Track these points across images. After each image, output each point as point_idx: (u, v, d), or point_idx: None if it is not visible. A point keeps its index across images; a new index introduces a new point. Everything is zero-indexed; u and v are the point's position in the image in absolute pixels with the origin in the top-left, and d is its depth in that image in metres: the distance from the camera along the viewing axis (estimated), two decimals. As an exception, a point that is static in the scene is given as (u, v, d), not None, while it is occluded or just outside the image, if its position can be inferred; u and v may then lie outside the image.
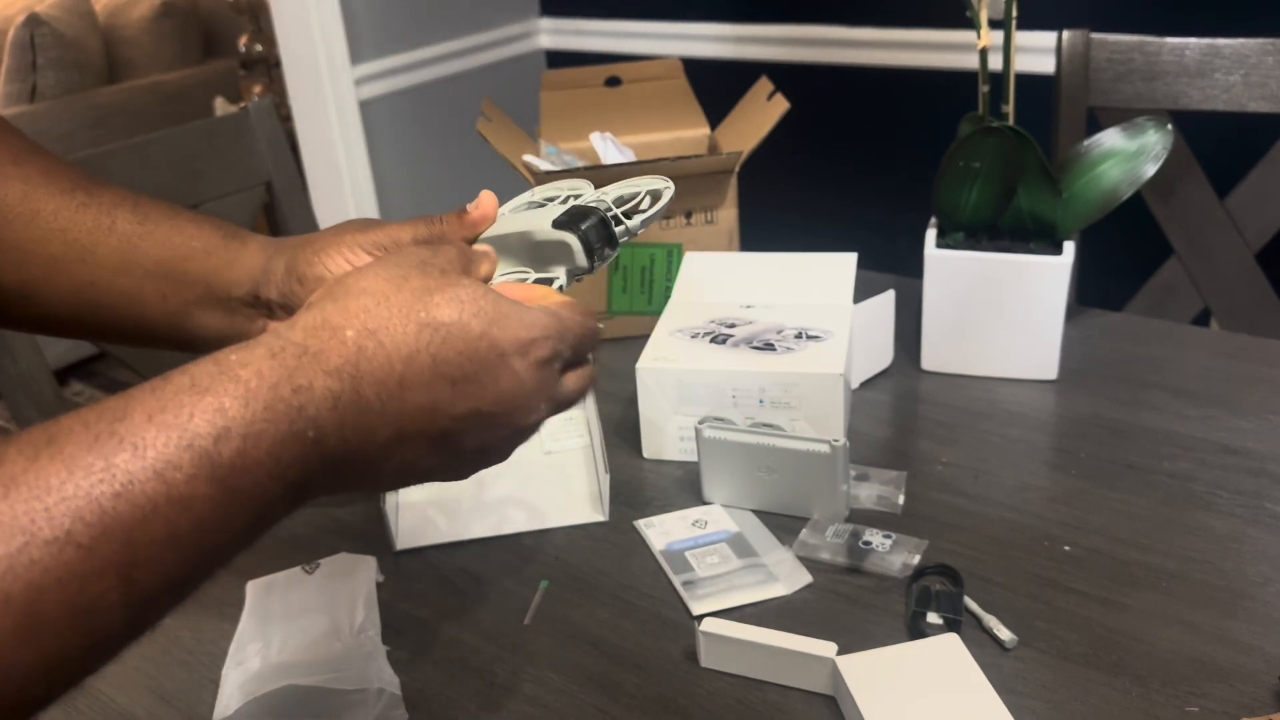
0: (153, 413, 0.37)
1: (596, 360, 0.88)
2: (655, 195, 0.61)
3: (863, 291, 0.92)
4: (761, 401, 0.82)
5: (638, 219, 0.60)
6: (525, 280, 0.58)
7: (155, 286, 0.60)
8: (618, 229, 0.60)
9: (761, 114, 1.10)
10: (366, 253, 0.59)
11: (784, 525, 0.77)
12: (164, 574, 0.37)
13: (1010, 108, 0.92)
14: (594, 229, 0.58)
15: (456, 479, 0.49)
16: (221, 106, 3.08)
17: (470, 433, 0.46)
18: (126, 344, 0.64)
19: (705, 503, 0.80)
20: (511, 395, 0.46)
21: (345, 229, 0.60)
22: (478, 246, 0.57)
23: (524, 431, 0.48)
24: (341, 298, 0.44)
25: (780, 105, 1.08)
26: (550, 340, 0.48)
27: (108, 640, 0.37)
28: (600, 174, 1.02)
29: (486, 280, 0.54)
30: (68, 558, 0.34)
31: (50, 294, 0.60)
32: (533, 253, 0.59)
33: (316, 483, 0.42)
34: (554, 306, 0.50)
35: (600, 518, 0.80)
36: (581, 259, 0.58)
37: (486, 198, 0.59)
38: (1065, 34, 1.25)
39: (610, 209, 0.60)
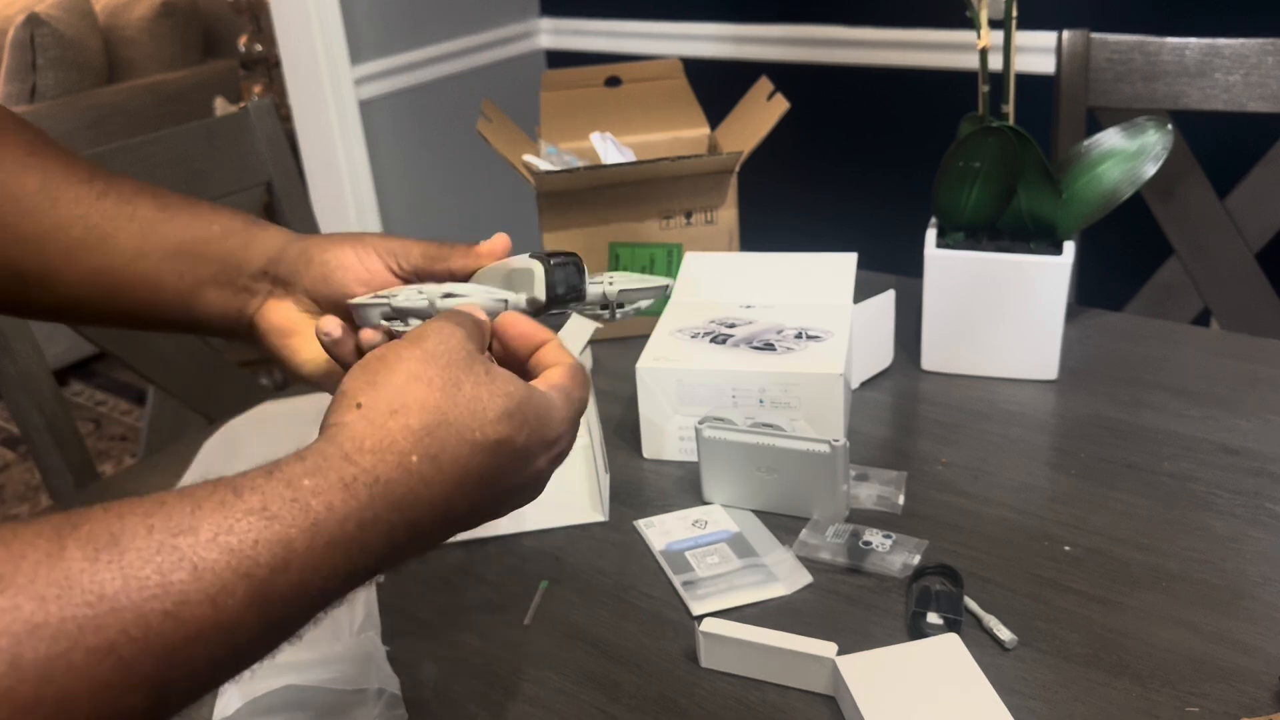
0: (219, 533, 0.37)
1: (594, 369, 0.87)
2: (651, 294, 0.63)
3: (863, 291, 0.92)
4: (761, 401, 0.82)
5: (619, 312, 0.62)
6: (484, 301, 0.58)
7: (173, 267, 0.62)
8: (594, 288, 0.61)
9: (761, 114, 1.10)
10: (379, 255, 0.61)
11: (784, 525, 0.77)
12: (192, 689, 0.37)
13: (1010, 108, 0.92)
14: (562, 268, 0.58)
15: None
16: (221, 106, 3.08)
17: (485, 516, 0.49)
18: (134, 327, 0.65)
19: (705, 503, 0.80)
20: (531, 483, 0.50)
21: (364, 234, 0.63)
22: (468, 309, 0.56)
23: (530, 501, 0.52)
24: (402, 413, 0.44)
25: (780, 105, 1.08)
26: (569, 434, 0.51)
27: None
28: (600, 174, 1.02)
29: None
30: (105, 670, 0.34)
31: (70, 278, 0.61)
32: (504, 281, 0.60)
33: (347, 593, 0.44)
34: (564, 383, 0.52)
35: (600, 518, 0.80)
36: (540, 290, 0.58)
37: (500, 238, 0.61)
38: (1065, 34, 1.25)
39: (610, 286, 0.62)
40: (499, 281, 0.60)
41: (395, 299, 0.58)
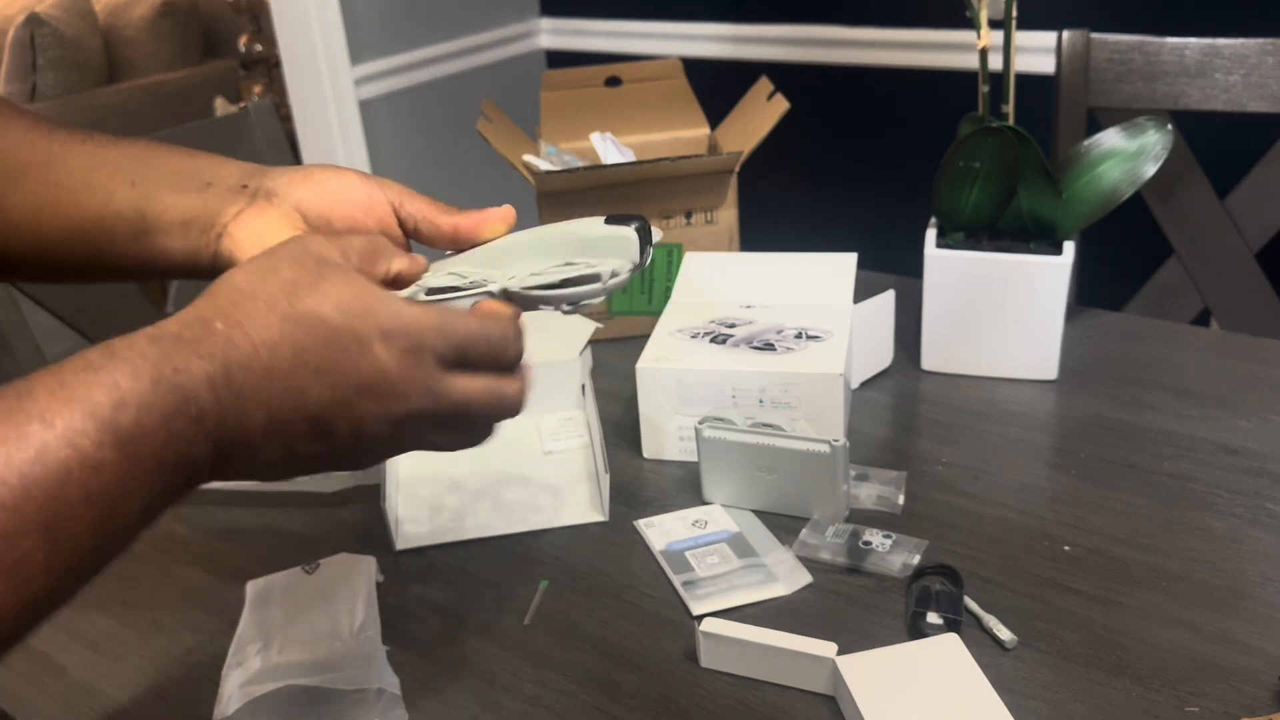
0: (54, 389, 0.40)
1: (594, 369, 0.85)
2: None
3: (863, 291, 0.92)
4: (761, 401, 0.82)
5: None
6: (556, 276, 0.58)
7: (126, 176, 0.58)
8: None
9: (761, 114, 1.10)
10: (380, 188, 0.60)
11: (784, 525, 0.77)
12: (82, 536, 0.40)
13: (1010, 108, 0.92)
14: (644, 229, 0.59)
15: (351, 468, 0.51)
16: (221, 106, 3.08)
17: (340, 419, 0.48)
18: (81, 266, 0.61)
19: (705, 503, 0.80)
20: (374, 381, 0.47)
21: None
22: (413, 257, 0.57)
23: (402, 422, 0.49)
24: (213, 295, 0.47)
25: (780, 105, 1.08)
26: (421, 332, 0.48)
27: (34, 601, 0.39)
28: (600, 174, 1.02)
29: (395, 276, 0.54)
30: None
31: (13, 202, 0.58)
32: (583, 248, 0.59)
33: (204, 463, 0.45)
34: (463, 312, 0.52)
35: (600, 518, 0.80)
36: (637, 255, 0.58)
37: (508, 208, 0.60)
38: (1065, 34, 1.25)
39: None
40: (572, 247, 0.59)
41: (428, 282, 0.58)
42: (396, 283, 0.55)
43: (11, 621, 0.38)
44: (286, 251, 0.49)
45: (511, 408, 0.53)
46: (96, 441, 0.39)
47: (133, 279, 0.65)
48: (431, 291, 0.58)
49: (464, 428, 0.52)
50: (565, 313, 0.59)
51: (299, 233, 0.59)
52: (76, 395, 0.40)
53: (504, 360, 0.52)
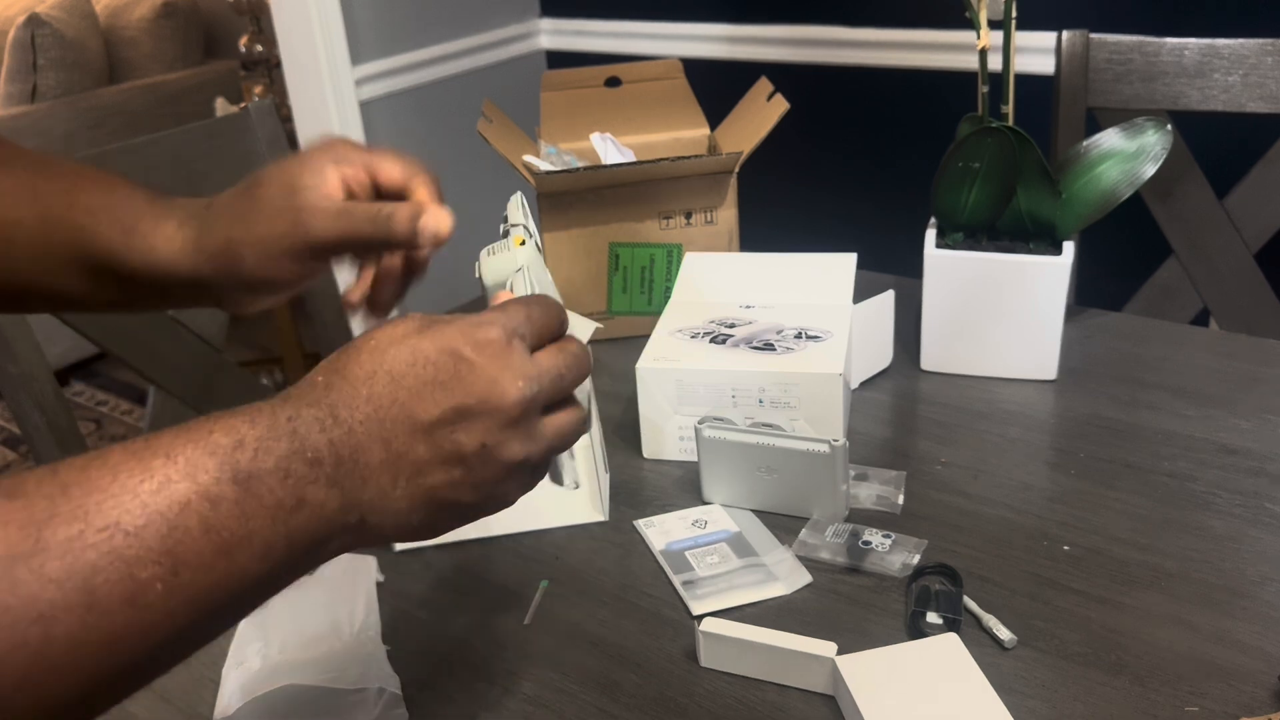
0: (178, 434, 0.43)
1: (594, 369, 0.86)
2: None
3: (863, 291, 0.92)
4: (761, 401, 0.82)
5: None
6: None
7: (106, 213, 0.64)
8: None
9: (761, 114, 1.10)
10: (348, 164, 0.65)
11: (784, 525, 0.77)
12: (199, 568, 0.41)
13: (1009, 108, 0.92)
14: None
15: (495, 501, 0.50)
16: (222, 107, 3.08)
17: (460, 431, 0.47)
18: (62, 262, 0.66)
19: (705, 502, 0.80)
20: (475, 380, 0.47)
21: (324, 152, 0.66)
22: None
23: (518, 421, 0.48)
24: (312, 370, 0.49)
25: (780, 105, 1.08)
26: (495, 324, 0.49)
27: (154, 630, 0.40)
28: (600, 174, 1.02)
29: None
30: (117, 543, 0.38)
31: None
32: None
33: (333, 513, 0.45)
34: (519, 300, 0.52)
35: (600, 518, 0.80)
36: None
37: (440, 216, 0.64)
38: (1064, 34, 1.25)
39: None
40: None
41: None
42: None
43: (132, 653, 0.40)
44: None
45: (576, 370, 0.53)
46: (215, 476, 0.41)
47: (138, 300, 0.67)
48: None
49: (539, 448, 0.51)
50: None
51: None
52: (197, 437, 0.42)
53: (563, 323, 0.53)
